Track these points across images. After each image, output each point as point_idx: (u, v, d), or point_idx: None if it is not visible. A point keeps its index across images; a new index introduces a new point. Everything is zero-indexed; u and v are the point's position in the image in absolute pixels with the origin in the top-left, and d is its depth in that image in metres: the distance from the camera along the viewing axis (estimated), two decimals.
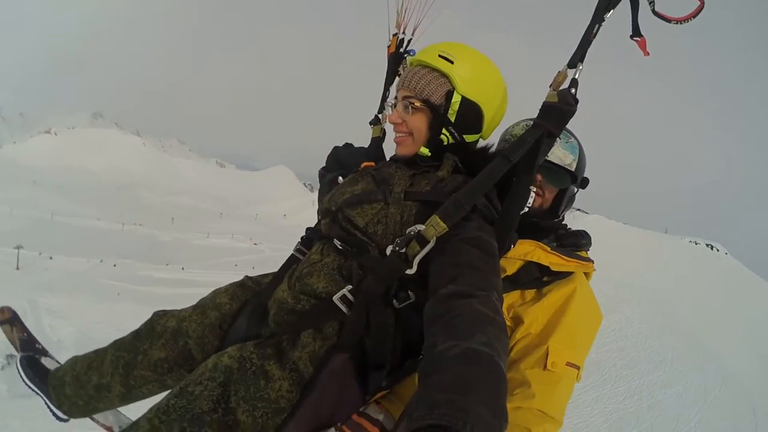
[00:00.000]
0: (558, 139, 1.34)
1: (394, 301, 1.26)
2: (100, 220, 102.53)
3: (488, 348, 0.91)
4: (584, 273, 1.56)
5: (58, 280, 51.47)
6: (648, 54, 1.36)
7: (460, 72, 1.39)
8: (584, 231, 1.67)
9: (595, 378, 7.43)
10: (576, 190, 1.70)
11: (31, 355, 1.71)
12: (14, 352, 1.81)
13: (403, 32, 1.81)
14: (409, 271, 1.20)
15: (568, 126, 1.32)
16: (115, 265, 58.30)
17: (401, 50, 1.79)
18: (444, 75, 1.40)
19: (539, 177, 1.61)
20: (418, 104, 1.41)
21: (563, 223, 1.73)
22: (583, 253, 1.57)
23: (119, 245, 79.85)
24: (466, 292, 1.05)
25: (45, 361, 1.76)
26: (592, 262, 1.57)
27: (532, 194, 1.34)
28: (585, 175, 1.70)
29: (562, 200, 1.66)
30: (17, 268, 55.87)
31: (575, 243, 1.59)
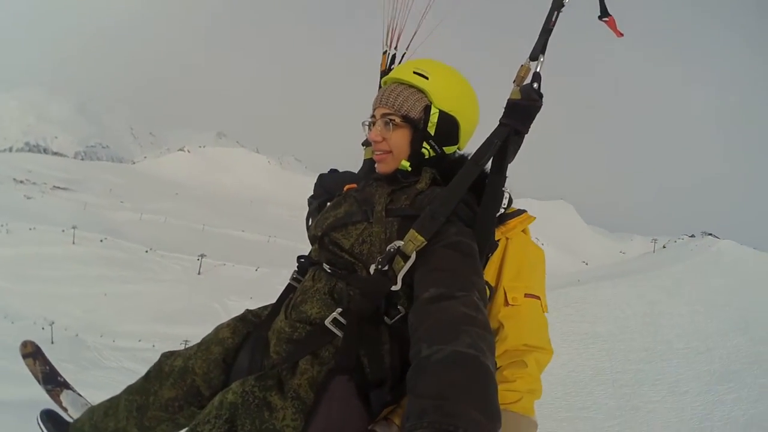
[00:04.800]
0: None
1: (385, 317, 1.29)
2: (245, 231, 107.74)
3: (473, 349, 0.91)
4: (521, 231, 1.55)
5: (238, 285, 54.16)
6: (621, 34, 1.33)
7: (436, 86, 1.43)
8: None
9: (735, 384, 8.42)
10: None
11: (50, 410, 1.69)
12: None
13: (395, 48, 1.84)
14: (394, 288, 1.22)
15: None
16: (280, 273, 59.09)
17: (392, 67, 1.82)
18: (420, 90, 1.44)
19: None
20: (398, 120, 1.44)
21: None
22: (511, 210, 1.52)
23: (272, 255, 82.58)
24: (446, 294, 1.06)
25: (64, 398, 1.81)
26: (525, 211, 1.54)
27: (506, 195, 1.38)
28: None
29: None
30: (199, 273, 58.92)
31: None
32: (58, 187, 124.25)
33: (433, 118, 1.42)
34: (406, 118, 1.43)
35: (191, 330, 36.34)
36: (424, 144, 1.44)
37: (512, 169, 1.35)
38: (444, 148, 1.48)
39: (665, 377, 9.21)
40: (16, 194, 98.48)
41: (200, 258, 60.09)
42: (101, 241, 63.32)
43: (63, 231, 62.34)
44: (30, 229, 62.77)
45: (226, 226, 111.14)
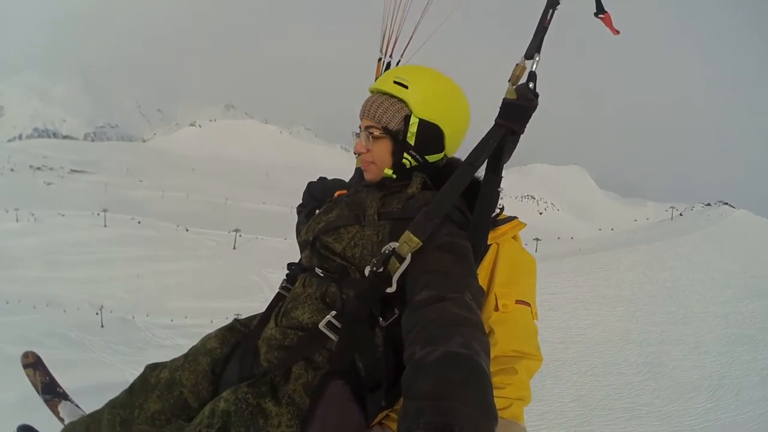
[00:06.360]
0: None
1: (380, 319, 1.26)
2: (266, 203, 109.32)
3: (466, 349, 0.91)
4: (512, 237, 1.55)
5: (273, 257, 54.87)
6: (617, 32, 1.33)
7: (415, 95, 1.41)
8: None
9: (750, 346, 9.43)
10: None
11: (28, 425, 1.66)
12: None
13: (390, 56, 1.84)
14: (389, 290, 1.21)
15: None
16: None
17: None
18: (401, 100, 1.42)
19: None
20: (378, 133, 1.44)
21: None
22: (502, 217, 1.52)
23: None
24: (438, 297, 1.05)
25: (62, 408, 1.82)
26: (516, 217, 1.53)
27: (502, 196, 1.38)
28: None
29: None
30: (234, 248, 60.45)
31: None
32: (75, 171, 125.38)
33: (412, 128, 1.41)
34: (386, 130, 1.43)
35: (236, 303, 37.46)
36: (405, 155, 1.44)
37: (525, 134, 1.34)
38: (427, 157, 1.46)
39: (687, 338, 10.42)
40: (36, 181, 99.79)
41: (237, 234, 61.46)
42: (138, 223, 64.46)
43: (98, 215, 63.62)
44: (60, 215, 63.42)
45: (247, 198, 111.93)
